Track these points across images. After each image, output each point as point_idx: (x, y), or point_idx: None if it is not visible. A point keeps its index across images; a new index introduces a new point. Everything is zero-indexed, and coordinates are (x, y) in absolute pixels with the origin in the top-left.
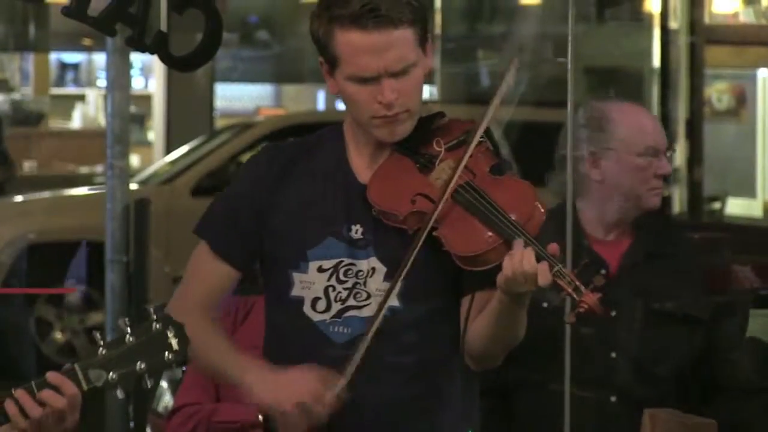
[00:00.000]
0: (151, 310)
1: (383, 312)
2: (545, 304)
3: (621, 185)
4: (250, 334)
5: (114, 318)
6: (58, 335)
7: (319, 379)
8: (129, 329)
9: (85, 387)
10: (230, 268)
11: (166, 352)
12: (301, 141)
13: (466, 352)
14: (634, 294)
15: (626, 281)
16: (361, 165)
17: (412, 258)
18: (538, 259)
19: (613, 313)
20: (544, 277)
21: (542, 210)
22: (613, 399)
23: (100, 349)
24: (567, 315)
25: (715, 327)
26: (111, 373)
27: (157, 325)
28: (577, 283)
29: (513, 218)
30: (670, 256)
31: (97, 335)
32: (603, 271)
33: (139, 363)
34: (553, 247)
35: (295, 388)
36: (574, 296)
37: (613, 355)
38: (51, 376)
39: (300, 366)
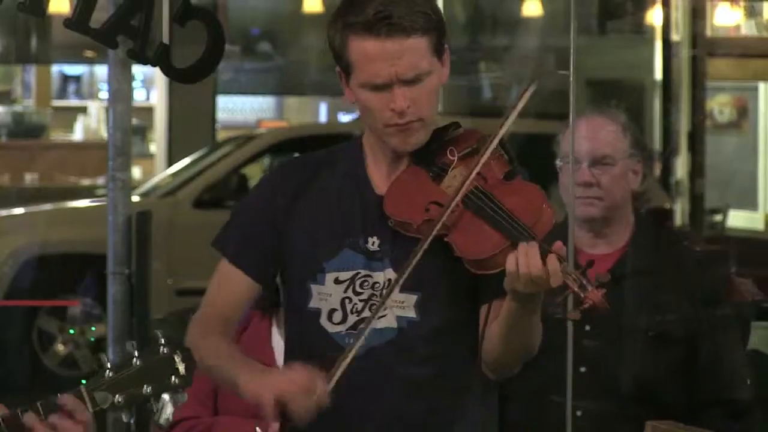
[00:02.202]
0: (159, 333)
1: (390, 324)
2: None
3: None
4: (249, 347)
5: (116, 330)
6: (60, 347)
7: (306, 375)
8: (136, 352)
9: (91, 409)
10: (250, 280)
11: (173, 376)
12: (320, 154)
13: (483, 360)
14: (611, 310)
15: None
16: (379, 177)
17: (419, 256)
18: (544, 257)
19: (587, 328)
20: (555, 276)
21: (551, 212)
22: (578, 413)
23: (107, 371)
24: (570, 311)
25: (700, 343)
26: (117, 396)
27: (165, 349)
28: (583, 280)
29: (521, 221)
30: (659, 272)
31: (103, 357)
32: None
33: (145, 386)
34: (559, 246)
35: (279, 379)
36: (580, 293)
37: (582, 369)
38: (64, 399)
39: (294, 364)
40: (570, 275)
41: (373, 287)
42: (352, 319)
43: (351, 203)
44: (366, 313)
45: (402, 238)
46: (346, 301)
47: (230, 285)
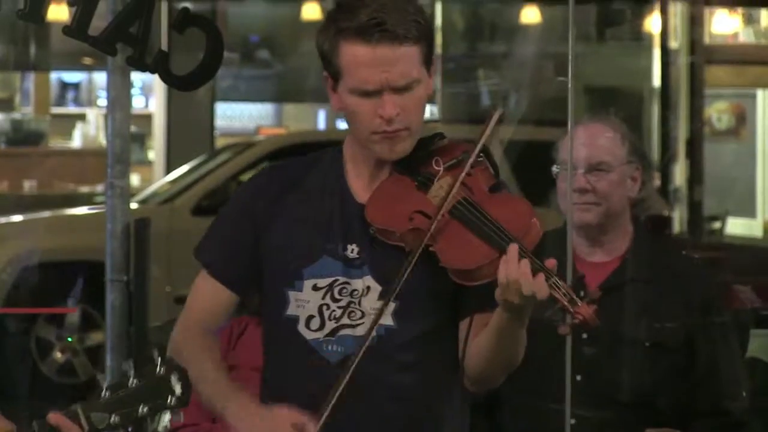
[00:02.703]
0: (156, 353)
1: (373, 333)
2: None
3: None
4: (246, 353)
5: (114, 338)
6: (58, 355)
7: (295, 418)
8: (133, 372)
9: (87, 429)
10: (229, 292)
11: (169, 396)
12: (300, 160)
13: (465, 373)
14: (609, 318)
15: (603, 304)
16: (359, 185)
17: (407, 272)
18: (534, 272)
19: (584, 336)
20: (542, 291)
21: (539, 226)
22: (573, 422)
23: (104, 391)
24: (561, 325)
25: (697, 352)
26: (113, 416)
27: (161, 369)
28: (573, 295)
29: (511, 233)
30: (657, 281)
31: (99, 377)
32: (581, 293)
33: (141, 406)
34: (551, 262)
35: (272, 424)
36: (569, 308)
37: (578, 378)
38: (54, 418)
39: (282, 405)
40: (560, 289)
41: (351, 294)
42: (330, 325)
43: (330, 210)
44: (344, 320)
45: (381, 246)
46: (324, 307)
47: (210, 295)
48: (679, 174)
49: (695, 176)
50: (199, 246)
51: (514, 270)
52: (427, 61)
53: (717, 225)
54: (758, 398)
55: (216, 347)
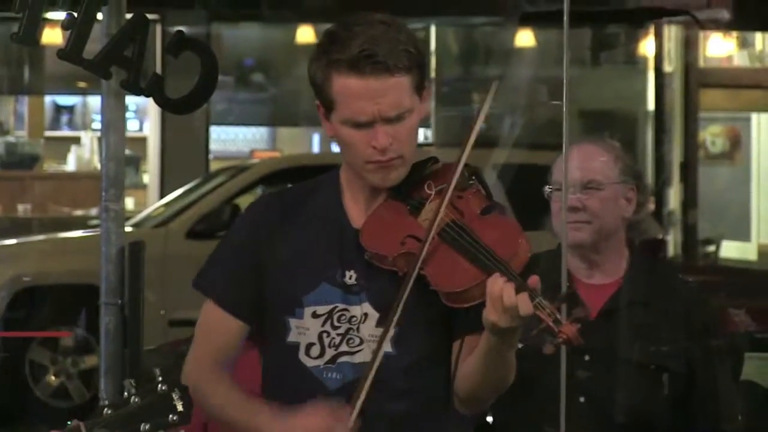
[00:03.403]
0: (157, 371)
1: (379, 358)
2: (520, 345)
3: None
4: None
5: (108, 361)
6: (52, 378)
7: (330, 413)
8: (134, 390)
9: None
10: (239, 322)
11: (171, 414)
12: (298, 187)
13: (455, 395)
14: (610, 341)
15: (604, 327)
16: (356, 210)
17: (404, 300)
18: (518, 292)
19: (587, 358)
20: (525, 307)
21: (527, 247)
22: None
23: (105, 409)
24: (545, 345)
25: (696, 375)
26: None
27: (163, 387)
28: (558, 315)
29: (498, 255)
30: (655, 304)
31: (102, 394)
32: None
33: (143, 425)
34: (533, 280)
35: (307, 424)
36: (554, 327)
37: (582, 399)
38: None
39: (312, 402)
40: (545, 309)
41: (350, 321)
42: (329, 353)
43: (328, 237)
44: (343, 347)
45: (378, 272)
46: (324, 335)
47: (221, 328)
48: (674, 197)
49: (690, 200)
50: (201, 278)
51: (497, 288)
52: (419, 87)
53: (711, 248)
54: (753, 421)
55: (231, 378)
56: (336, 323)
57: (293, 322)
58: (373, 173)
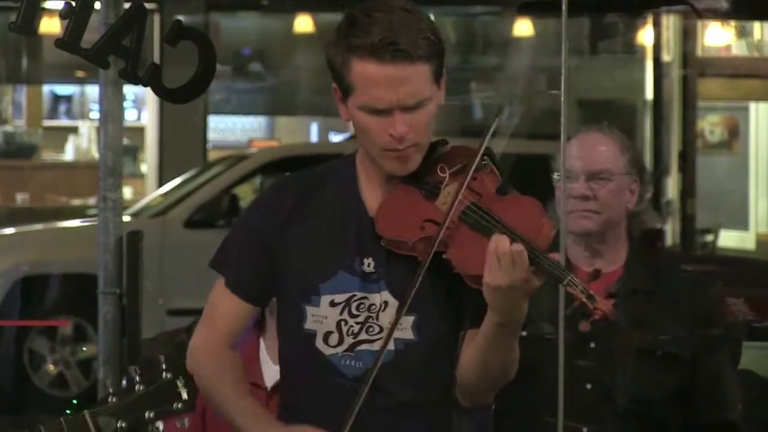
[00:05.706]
0: (162, 359)
1: (387, 346)
2: (524, 333)
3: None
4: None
5: (106, 350)
6: (51, 367)
7: None
8: (138, 377)
9: None
10: (247, 304)
11: (175, 402)
12: (314, 172)
13: (457, 386)
14: (614, 329)
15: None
16: (372, 197)
17: (419, 281)
18: (547, 273)
19: (592, 345)
20: (520, 258)
21: (551, 225)
22: (585, 430)
23: (110, 397)
24: (580, 323)
25: (698, 364)
26: (120, 421)
27: (167, 375)
28: (590, 291)
29: (522, 234)
30: (657, 292)
31: (107, 383)
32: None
33: (147, 412)
34: (555, 257)
35: None
36: (588, 304)
37: (588, 386)
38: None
39: (303, 426)
40: (577, 287)
41: (369, 309)
42: (348, 341)
43: (345, 225)
44: (363, 336)
45: (397, 259)
46: (342, 323)
47: (229, 310)
48: (672, 187)
49: (688, 189)
50: (216, 258)
51: (492, 244)
52: (438, 75)
53: (710, 238)
54: (751, 410)
55: (237, 365)
56: (354, 311)
57: (309, 309)
58: (389, 161)
